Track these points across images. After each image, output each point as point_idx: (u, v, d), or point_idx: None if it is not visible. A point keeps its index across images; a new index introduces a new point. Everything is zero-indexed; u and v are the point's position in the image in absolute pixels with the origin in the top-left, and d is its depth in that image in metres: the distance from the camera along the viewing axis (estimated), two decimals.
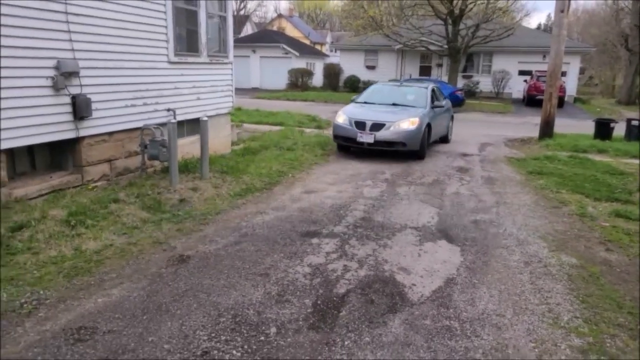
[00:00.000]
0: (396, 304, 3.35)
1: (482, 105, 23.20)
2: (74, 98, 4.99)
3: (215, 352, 2.65)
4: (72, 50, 4.94)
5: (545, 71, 12.92)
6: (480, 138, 12.71)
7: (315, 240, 4.51)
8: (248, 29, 51.64)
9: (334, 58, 39.18)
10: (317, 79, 33.76)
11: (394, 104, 9.54)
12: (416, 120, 8.67)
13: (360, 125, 8.64)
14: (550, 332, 3.05)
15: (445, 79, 25.36)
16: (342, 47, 34.87)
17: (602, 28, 41.50)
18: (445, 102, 11.01)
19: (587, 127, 13.72)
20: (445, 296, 3.51)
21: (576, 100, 28.37)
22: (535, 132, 12.94)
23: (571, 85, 27.71)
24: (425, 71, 30.54)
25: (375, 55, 32.16)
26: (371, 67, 32.05)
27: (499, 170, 8.51)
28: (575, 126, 15.41)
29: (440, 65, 29.60)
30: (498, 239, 4.82)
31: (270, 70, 32.58)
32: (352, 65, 32.24)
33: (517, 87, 28.01)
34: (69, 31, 4.88)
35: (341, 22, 68.51)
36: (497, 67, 28.45)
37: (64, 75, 4.83)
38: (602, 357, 2.78)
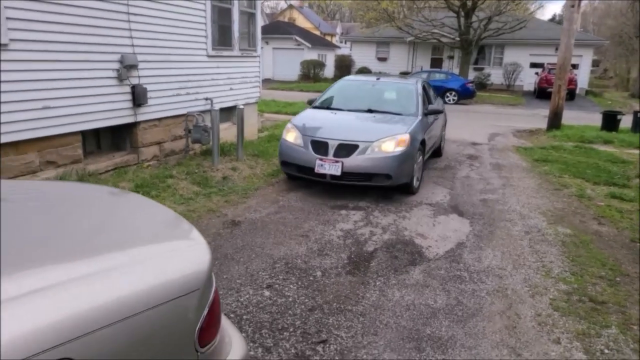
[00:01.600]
0: (415, 259, 4.07)
1: (493, 97, 23.67)
2: (133, 87, 5.73)
3: (277, 285, 3.40)
4: (132, 45, 5.67)
5: (556, 64, 13.42)
6: (489, 129, 13.30)
7: (343, 212, 5.23)
8: (259, 21, 52.14)
9: (345, 49, 39.67)
10: (329, 71, 34.33)
11: (370, 111, 6.28)
12: (406, 137, 5.52)
13: (321, 147, 5.48)
14: (542, 281, 3.75)
15: (456, 71, 25.82)
16: (354, 39, 35.37)
17: (618, 19, 41.29)
18: (441, 103, 8.49)
19: (596, 119, 14.22)
20: (456, 255, 4.22)
21: (588, 92, 28.65)
22: (544, 124, 13.48)
23: (583, 77, 27.99)
24: (436, 63, 30.98)
25: (386, 47, 32.63)
26: (382, 59, 32.55)
27: (506, 158, 9.14)
28: (584, 118, 15.90)
29: (451, 58, 30.02)
30: (503, 214, 5.50)
31: (283, 61, 33.17)
32: (363, 57, 32.76)
33: (528, 80, 28.38)
34: (130, 29, 5.61)
35: (352, 13, 68.75)
36: (508, 60, 28.81)
37: (126, 67, 5.57)
38: (583, 297, 3.48)
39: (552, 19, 58.14)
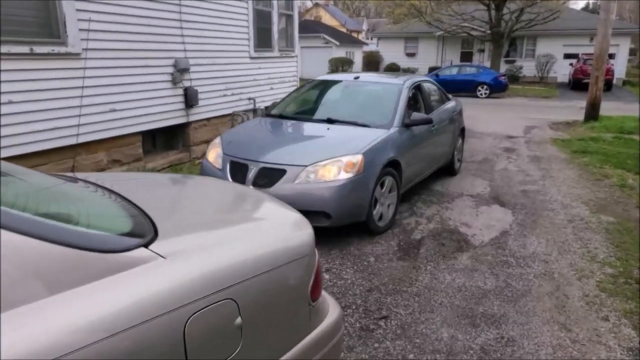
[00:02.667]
0: (462, 246, 4.26)
1: (526, 90, 23.33)
2: (185, 90, 6.11)
3: (334, 269, 3.67)
4: (185, 50, 6.05)
5: (592, 54, 13.22)
6: (524, 122, 13.22)
7: None
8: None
9: (372, 46, 39.68)
10: (357, 68, 34.44)
11: (329, 121, 4.81)
12: (356, 160, 4.03)
13: (239, 171, 4.16)
14: (588, 265, 3.89)
15: (487, 64, 25.55)
16: (381, 35, 35.35)
17: None
18: (449, 109, 6.44)
19: (635, 109, 13.94)
20: (502, 242, 4.39)
21: (625, 83, 27.85)
22: (580, 116, 13.31)
23: (620, 67, 27.22)
24: (466, 57, 30.67)
25: (415, 43, 32.49)
26: (411, 55, 32.45)
27: (544, 150, 9.15)
28: (622, 109, 15.57)
29: (482, 51, 29.68)
30: (545, 204, 5.61)
31: (311, 60, 33.43)
32: (391, 53, 32.71)
33: (562, 71, 27.79)
34: (182, 35, 5.99)
35: (377, 9, 68.49)
36: (541, 51, 28.27)
37: (180, 71, 5.95)
38: (629, 280, 3.61)
39: (586, 8, 56.49)
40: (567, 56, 27.84)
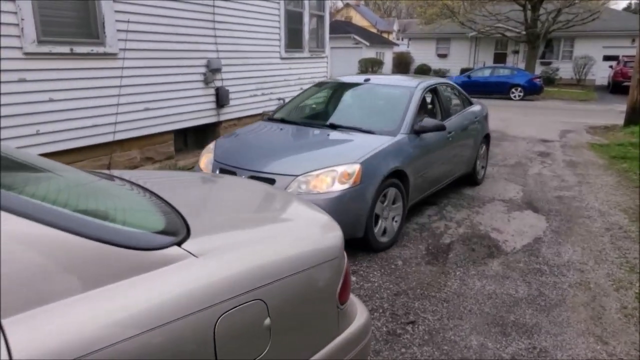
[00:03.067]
0: (493, 252, 4.17)
1: (562, 92, 22.66)
2: (217, 90, 6.20)
3: (362, 272, 3.65)
4: (217, 51, 6.13)
5: (634, 56, 12.74)
6: (560, 125, 12.83)
7: (417, 207, 5.38)
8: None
9: (402, 47, 39.35)
10: (387, 69, 34.21)
11: (331, 126, 4.56)
12: (353, 169, 3.72)
13: None
14: (627, 276, 3.74)
15: (521, 66, 24.94)
16: (412, 36, 35.00)
17: None
18: (470, 114, 5.94)
19: None
20: (535, 249, 4.26)
21: None
22: (620, 120, 12.83)
23: None
24: (500, 58, 30.03)
25: (447, 44, 32.02)
26: (443, 56, 32.00)
27: (580, 155, 8.86)
28: None
29: (516, 52, 28.99)
30: (581, 211, 5.42)
31: (341, 60, 33.40)
32: (422, 54, 32.35)
33: (600, 74, 26.86)
34: (215, 36, 6.07)
35: (408, 10, 67.86)
36: (579, 53, 27.41)
37: (212, 71, 6.04)
38: None
39: (627, 8, 54.40)
40: (607, 58, 26.88)
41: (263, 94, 7.34)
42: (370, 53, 33.58)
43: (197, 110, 5.95)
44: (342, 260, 1.60)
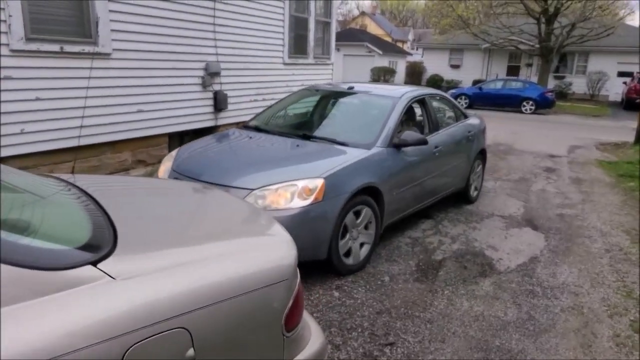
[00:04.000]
0: (485, 271, 4.01)
1: (575, 107, 22.34)
2: (215, 94, 6.14)
3: (346, 287, 3.52)
4: (216, 54, 6.08)
5: None
6: (570, 140, 12.60)
7: (412, 219, 5.24)
8: None
9: (417, 56, 39.22)
10: (399, 78, 34.08)
11: (305, 137, 4.26)
12: (315, 185, 3.39)
13: None
14: (622, 301, 3.56)
15: (534, 79, 24.67)
16: (426, 46, 34.88)
17: None
18: (462, 128, 5.57)
19: None
20: (529, 269, 4.10)
21: None
22: (631, 137, 12.53)
23: None
24: (513, 71, 29.75)
25: (460, 54, 31.83)
26: (455, 66, 31.80)
27: (587, 171, 8.64)
28: None
29: (530, 65, 28.70)
30: (582, 230, 5.24)
31: (353, 68, 33.37)
32: (435, 64, 32.20)
33: (614, 90, 26.48)
34: (215, 39, 6.02)
35: (424, 19, 67.80)
36: (593, 68, 27.06)
37: (210, 74, 5.98)
38: None
39: None
40: (621, 74, 26.50)
41: (264, 100, 7.26)
42: (382, 62, 33.50)
43: (193, 113, 5.89)
44: (293, 282, 1.49)
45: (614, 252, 4.59)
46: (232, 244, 1.49)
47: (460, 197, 5.90)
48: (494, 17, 25.57)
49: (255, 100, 7.08)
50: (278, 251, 1.50)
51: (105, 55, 4.63)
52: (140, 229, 1.43)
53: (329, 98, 5.25)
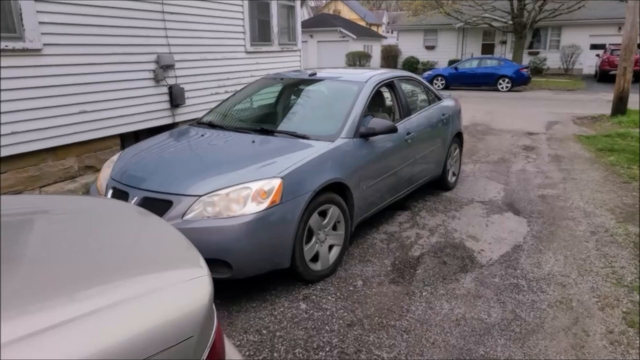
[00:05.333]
0: (466, 265, 3.71)
1: (550, 82, 22.32)
2: (170, 88, 5.68)
3: (314, 297, 3.17)
4: (168, 45, 5.61)
5: (620, 44, 12.37)
6: (547, 116, 12.44)
7: (387, 212, 4.91)
8: (304, 14, 52.12)
9: (391, 39, 38.87)
10: (375, 62, 33.73)
11: (262, 131, 3.83)
12: (271, 186, 2.97)
13: (121, 198, 3.09)
14: (613, 290, 3.30)
15: (509, 56, 24.56)
16: (400, 28, 34.50)
17: None
18: (436, 112, 5.21)
19: None
20: (513, 260, 3.82)
21: None
22: (607, 109, 12.47)
23: None
24: (488, 49, 29.61)
25: (434, 35, 31.57)
26: (430, 47, 31.55)
27: (566, 148, 8.45)
28: None
29: (504, 43, 28.61)
30: (564, 211, 4.99)
31: (328, 54, 32.94)
32: (410, 46, 31.91)
33: (588, 63, 26.56)
34: (165, 28, 5.55)
35: (398, 2, 67.32)
36: (566, 42, 27.07)
37: (162, 68, 5.51)
38: None
39: None
40: (594, 47, 26.59)
41: (226, 92, 6.81)
42: (357, 46, 33.07)
43: (147, 111, 5.43)
44: (206, 333, 1.12)
45: (599, 234, 4.34)
46: (112, 294, 1.09)
47: (438, 185, 5.61)
48: None
49: (217, 94, 6.63)
50: (183, 299, 1.11)
51: (34, 52, 4.13)
52: None
53: (289, 87, 4.82)
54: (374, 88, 4.25)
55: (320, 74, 4.65)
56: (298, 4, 8.66)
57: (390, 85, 4.62)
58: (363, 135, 3.78)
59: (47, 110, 4.30)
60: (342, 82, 4.48)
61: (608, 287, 3.34)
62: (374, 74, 4.50)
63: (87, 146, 4.79)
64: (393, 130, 3.88)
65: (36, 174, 4.28)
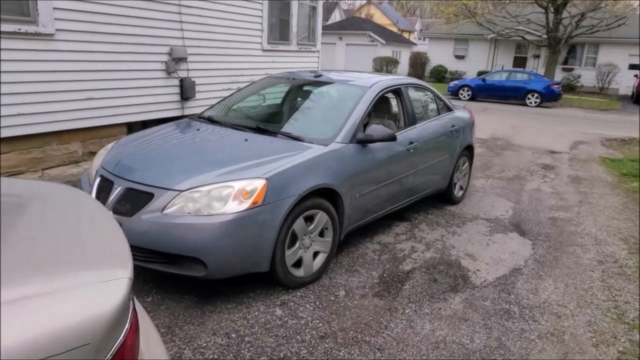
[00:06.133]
0: (458, 285, 3.56)
1: (582, 100, 21.67)
2: (181, 81, 5.67)
3: (292, 303, 3.08)
4: (183, 38, 5.61)
5: None
6: (573, 135, 12.04)
7: (386, 221, 4.79)
8: (336, 16, 52.11)
9: (422, 46, 38.43)
10: (402, 68, 33.40)
11: (258, 130, 3.76)
12: (255, 186, 2.90)
13: (104, 189, 3.11)
14: (612, 326, 3.10)
15: (542, 71, 23.94)
16: (431, 35, 34.08)
17: None
18: (444, 122, 5.04)
19: None
20: (509, 283, 3.64)
21: None
22: None
23: None
24: (520, 62, 28.96)
25: (465, 45, 31.06)
26: (460, 57, 31.04)
27: (588, 169, 8.13)
28: None
29: (537, 57, 27.91)
30: (574, 237, 4.76)
31: (355, 57, 32.79)
32: (439, 55, 31.47)
33: (625, 83, 25.67)
34: (180, 21, 5.55)
35: (432, 9, 66.65)
36: (603, 60, 26.23)
37: (175, 60, 5.51)
38: None
39: None
40: (633, 67, 25.66)
41: (239, 89, 6.79)
42: (385, 51, 32.81)
43: (156, 102, 5.44)
44: (113, 335, 1.04)
45: (607, 264, 4.12)
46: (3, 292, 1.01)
47: (443, 198, 5.44)
48: (500, 6, 24.79)
49: (230, 89, 6.60)
50: (82, 302, 1.04)
51: (47, 36, 4.17)
52: None
53: (293, 87, 4.74)
54: (377, 94, 4.13)
55: (325, 76, 4.56)
56: (320, 4, 8.59)
57: (397, 92, 4.48)
58: (360, 141, 3.66)
59: (55, 95, 4.33)
60: (346, 86, 4.36)
61: (607, 323, 3.15)
62: (379, 80, 4.38)
63: (93, 132, 4.82)
64: (392, 138, 3.75)
65: (39, 156, 4.33)
